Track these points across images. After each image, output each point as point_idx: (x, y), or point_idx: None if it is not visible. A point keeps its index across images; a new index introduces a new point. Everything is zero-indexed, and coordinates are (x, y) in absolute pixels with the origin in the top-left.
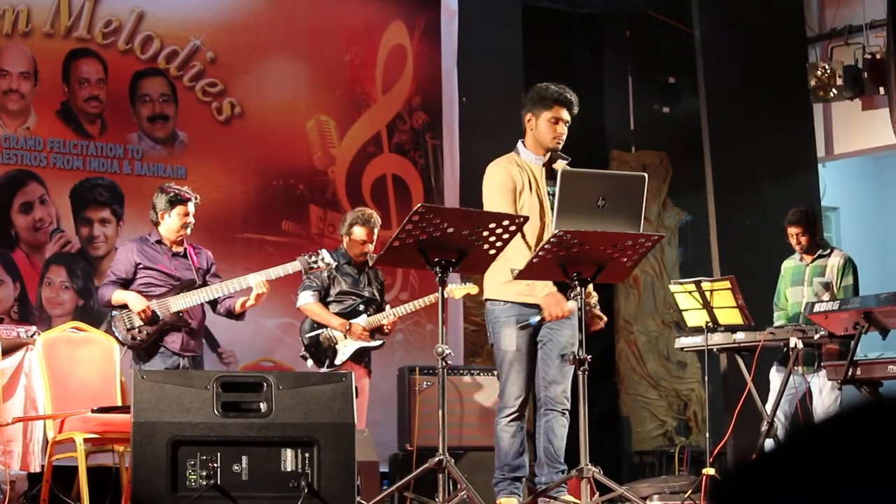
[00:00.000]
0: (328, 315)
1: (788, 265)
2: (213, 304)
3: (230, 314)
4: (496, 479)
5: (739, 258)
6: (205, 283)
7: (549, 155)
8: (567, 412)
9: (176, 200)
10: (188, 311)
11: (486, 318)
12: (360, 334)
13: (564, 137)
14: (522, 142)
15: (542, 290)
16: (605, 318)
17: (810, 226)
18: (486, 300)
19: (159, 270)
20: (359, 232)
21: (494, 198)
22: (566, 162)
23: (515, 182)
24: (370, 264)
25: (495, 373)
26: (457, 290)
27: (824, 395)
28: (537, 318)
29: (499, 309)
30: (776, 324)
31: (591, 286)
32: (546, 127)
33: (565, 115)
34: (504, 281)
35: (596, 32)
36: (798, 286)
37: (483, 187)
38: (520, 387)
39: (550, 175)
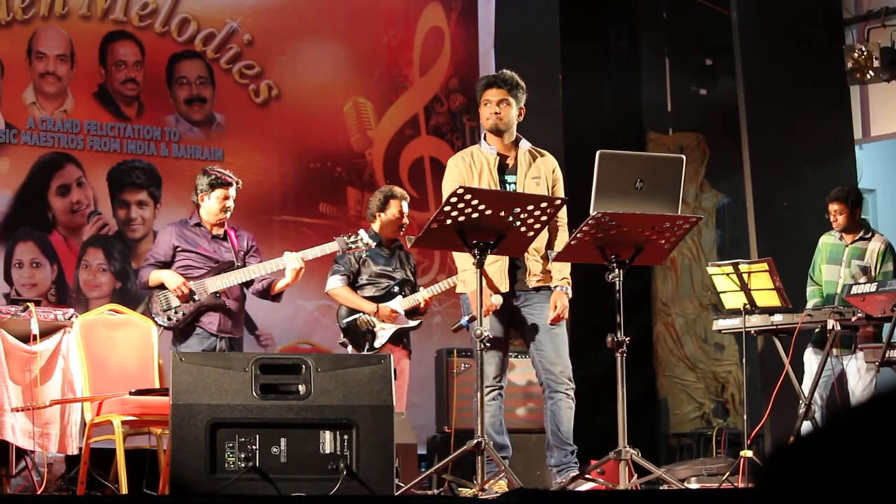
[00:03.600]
0: (356, 299)
1: (826, 241)
2: (248, 284)
3: (264, 294)
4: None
5: (777, 240)
6: (244, 265)
7: (502, 142)
8: (571, 392)
9: (216, 183)
10: (226, 292)
11: (463, 308)
12: (388, 316)
13: (504, 116)
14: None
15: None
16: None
17: (851, 205)
18: (462, 293)
19: (198, 253)
20: (395, 205)
21: (443, 193)
22: (527, 147)
23: (464, 176)
24: (408, 246)
25: (527, 356)
26: None
27: (861, 376)
28: (466, 319)
29: (472, 297)
30: (809, 299)
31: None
32: (482, 113)
33: (493, 94)
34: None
35: (633, 14)
36: (835, 265)
37: None
38: (496, 366)
39: (503, 163)
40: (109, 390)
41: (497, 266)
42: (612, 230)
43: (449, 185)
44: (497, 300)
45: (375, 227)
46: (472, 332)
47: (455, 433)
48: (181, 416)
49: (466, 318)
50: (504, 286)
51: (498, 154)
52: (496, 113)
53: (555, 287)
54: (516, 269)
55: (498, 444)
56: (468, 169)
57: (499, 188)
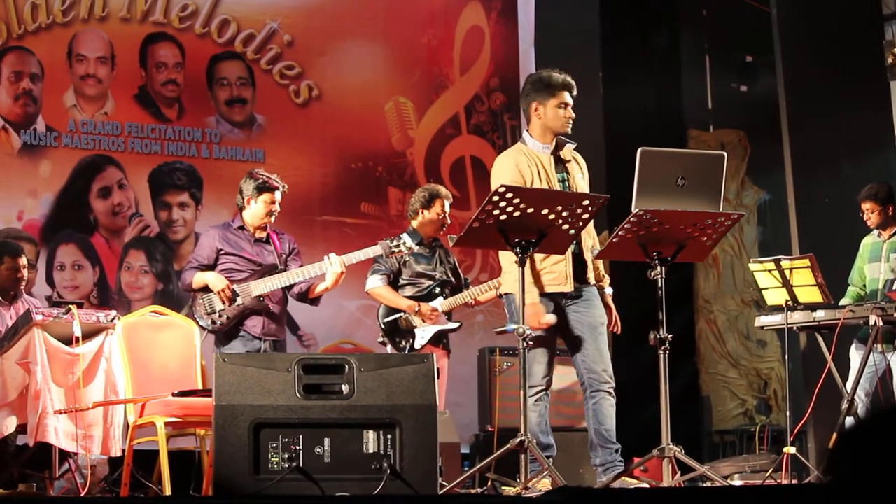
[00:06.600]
0: (397, 298)
1: (867, 242)
2: (288, 287)
3: (303, 297)
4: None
5: (818, 236)
6: (286, 268)
7: (555, 142)
8: (613, 391)
9: (264, 188)
10: (269, 295)
11: (507, 307)
12: (429, 316)
13: (572, 120)
14: (528, 132)
15: (527, 300)
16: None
17: (882, 202)
18: (507, 293)
19: (241, 256)
20: (439, 204)
21: None
22: (573, 146)
23: (523, 173)
24: (450, 245)
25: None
26: None
27: None
28: (513, 327)
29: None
30: (842, 301)
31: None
32: (554, 113)
33: (570, 98)
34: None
35: (673, 11)
36: (875, 262)
37: (491, 179)
38: (545, 365)
39: (559, 161)
40: (152, 392)
41: (562, 266)
42: (653, 227)
43: (506, 182)
44: (552, 318)
45: (415, 224)
46: (516, 331)
47: (498, 432)
48: (224, 416)
49: (513, 326)
50: (569, 286)
51: (551, 153)
52: (571, 117)
53: (603, 290)
54: (579, 267)
55: (542, 443)
56: (526, 167)
57: (556, 186)
